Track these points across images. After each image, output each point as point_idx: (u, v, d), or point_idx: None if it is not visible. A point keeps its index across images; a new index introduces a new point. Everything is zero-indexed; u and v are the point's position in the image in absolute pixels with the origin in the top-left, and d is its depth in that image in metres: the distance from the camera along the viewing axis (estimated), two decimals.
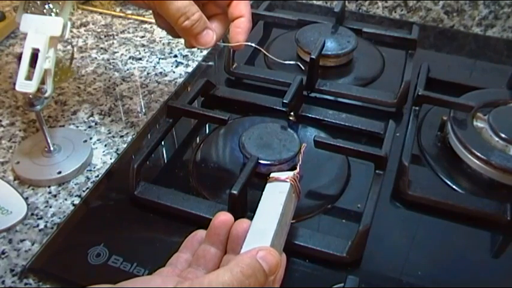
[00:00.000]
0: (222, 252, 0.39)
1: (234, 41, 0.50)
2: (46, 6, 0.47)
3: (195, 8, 0.47)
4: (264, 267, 0.33)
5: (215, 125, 0.60)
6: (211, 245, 0.38)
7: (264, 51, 0.55)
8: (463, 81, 0.66)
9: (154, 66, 0.71)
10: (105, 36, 0.78)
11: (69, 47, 0.74)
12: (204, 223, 0.42)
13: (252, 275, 0.32)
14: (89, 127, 0.61)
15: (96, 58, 0.73)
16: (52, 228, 0.49)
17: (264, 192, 0.42)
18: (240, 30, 0.50)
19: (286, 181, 0.42)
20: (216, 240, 0.38)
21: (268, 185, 0.43)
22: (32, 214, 0.50)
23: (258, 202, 0.41)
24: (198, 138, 0.60)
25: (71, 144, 0.57)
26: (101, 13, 0.84)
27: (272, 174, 0.44)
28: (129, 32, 0.79)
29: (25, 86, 0.46)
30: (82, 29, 0.80)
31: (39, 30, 0.47)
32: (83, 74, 0.70)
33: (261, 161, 0.51)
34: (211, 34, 0.49)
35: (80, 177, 0.55)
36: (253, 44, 0.54)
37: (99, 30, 0.80)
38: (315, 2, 0.88)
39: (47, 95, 0.49)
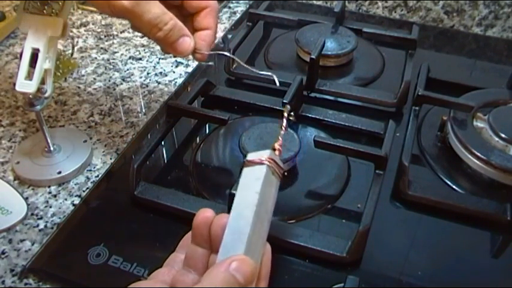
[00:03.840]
0: (209, 251, 0.37)
1: (196, 52, 0.48)
2: (46, 6, 0.47)
3: (168, 17, 0.44)
4: (239, 279, 0.32)
5: (215, 125, 0.60)
6: (198, 246, 0.37)
7: (237, 59, 0.54)
8: (463, 81, 0.66)
9: (154, 66, 0.71)
10: (105, 36, 0.78)
11: (68, 41, 0.74)
12: None
13: None
14: (89, 127, 0.61)
15: (96, 58, 0.73)
16: (52, 228, 0.49)
17: (240, 179, 0.39)
18: (205, 44, 0.48)
19: (263, 163, 0.38)
20: (201, 240, 0.37)
21: (244, 170, 0.39)
22: (32, 214, 0.50)
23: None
24: (198, 138, 0.60)
25: (71, 144, 0.57)
26: (101, 13, 0.84)
27: (248, 156, 0.40)
28: (129, 32, 0.79)
29: (25, 86, 0.46)
30: (82, 29, 0.80)
31: (39, 30, 0.47)
32: (83, 74, 0.70)
33: None
34: (187, 41, 0.46)
35: (80, 177, 0.55)
36: (227, 53, 0.56)
37: (99, 30, 0.80)
38: (315, 2, 0.88)
39: (47, 95, 0.49)
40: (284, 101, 0.55)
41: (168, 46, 0.46)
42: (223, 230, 0.36)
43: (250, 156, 0.39)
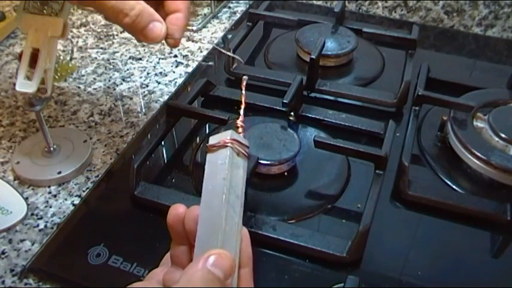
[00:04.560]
0: (189, 246, 0.37)
1: (168, 38, 0.45)
2: (46, 6, 0.47)
3: (135, 1, 0.41)
4: (217, 275, 0.31)
5: (215, 125, 0.60)
6: (178, 244, 0.37)
7: (223, 50, 0.53)
8: (463, 81, 0.66)
9: (154, 66, 0.71)
10: (105, 36, 0.78)
11: (68, 42, 0.74)
12: None
13: None
14: (89, 127, 0.61)
15: (96, 58, 0.73)
16: (52, 228, 0.49)
17: (205, 167, 0.37)
18: (176, 28, 0.44)
19: (226, 145, 0.37)
20: (179, 238, 0.36)
21: (208, 157, 0.38)
22: (32, 214, 0.50)
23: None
24: (198, 138, 0.60)
25: (71, 144, 0.57)
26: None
27: (210, 141, 0.38)
28: None
29: (25, 86, 0.46)
30: (82, 29, 0.80)
31: (39, 30, 0.47)
32: (83, 74, 0.70)
33: (261, 161, 0.51)
34: (158, 27, 0.43)
35: (80, 177, 0.55)
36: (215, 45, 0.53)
37: (99, 30, 0.80)
38: (315, 2, 0.88)
39: (47, 95, 0.49)
40: (284, 101, 0.55)
41: (138, 33, 0.43)
42: (196, 223, 0.35)
43: (212, 140, 0.38)
